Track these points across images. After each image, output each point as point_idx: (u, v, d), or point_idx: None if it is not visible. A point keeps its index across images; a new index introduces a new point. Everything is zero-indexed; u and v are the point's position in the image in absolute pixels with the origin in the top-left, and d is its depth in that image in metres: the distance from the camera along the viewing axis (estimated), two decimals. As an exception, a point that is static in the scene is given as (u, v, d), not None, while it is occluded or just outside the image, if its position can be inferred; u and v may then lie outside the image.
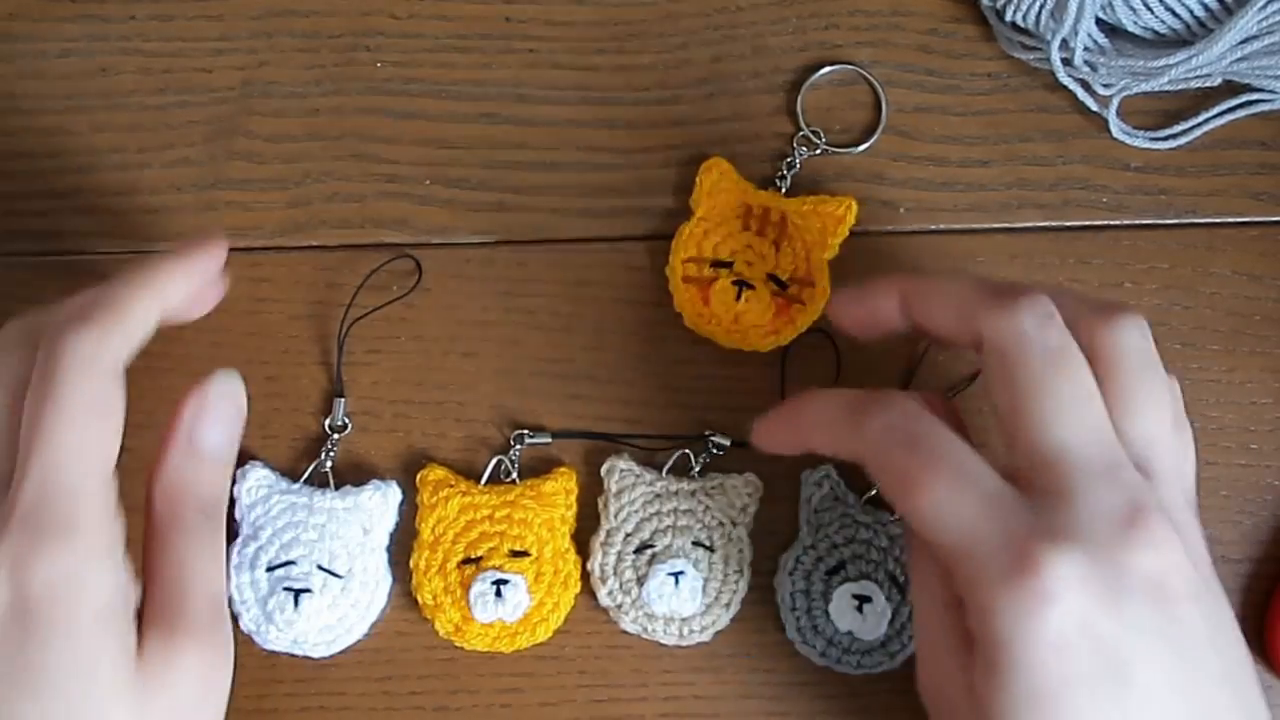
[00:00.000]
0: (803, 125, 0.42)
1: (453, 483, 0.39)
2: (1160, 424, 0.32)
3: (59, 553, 0.30)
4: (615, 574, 0.39)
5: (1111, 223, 0.42)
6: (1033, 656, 0.29)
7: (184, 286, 0.35)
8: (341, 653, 0.39)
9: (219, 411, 0.36)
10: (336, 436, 0.40)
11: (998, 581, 0.30)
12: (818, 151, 0.41)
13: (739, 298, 0.40)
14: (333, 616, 0.39)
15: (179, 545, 0.34)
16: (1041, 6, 0.39)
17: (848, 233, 0.40)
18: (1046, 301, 0.32)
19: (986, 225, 0.41)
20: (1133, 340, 0.32)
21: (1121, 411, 0.32)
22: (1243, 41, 0.39)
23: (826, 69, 0.42)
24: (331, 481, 0.40)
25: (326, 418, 0.40)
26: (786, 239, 0.40)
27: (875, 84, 0.42)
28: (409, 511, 0.40)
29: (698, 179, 0.40)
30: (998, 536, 0.30)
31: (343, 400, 0.40)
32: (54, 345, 0.32)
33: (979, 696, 0.30)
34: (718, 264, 0.40)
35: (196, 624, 0.33)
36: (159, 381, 0.41)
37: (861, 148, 0.42)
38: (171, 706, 0.32)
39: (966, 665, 0.31)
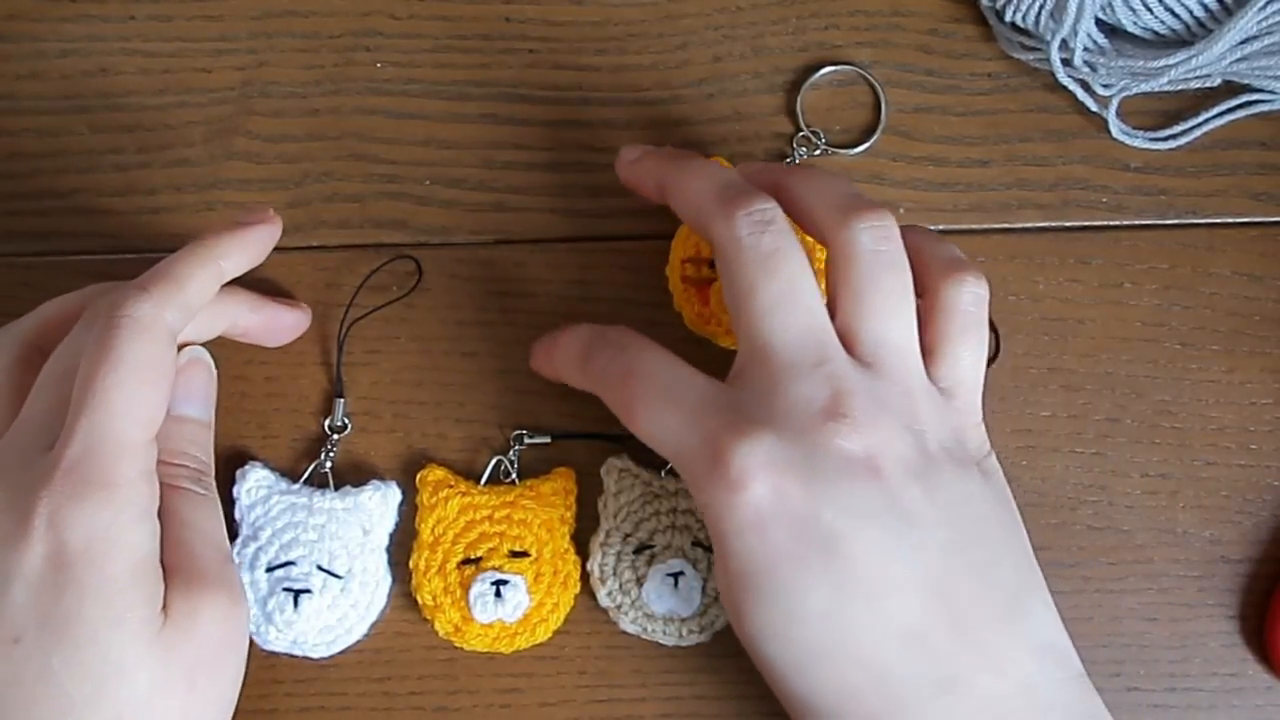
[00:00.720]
0: (803, 125, 0.42)
1: (452, 483, 0.39)
2: (889, 323, 0.33)
3: (99, 508, 0.31)
4: (615, 574, 0.39)
5: (1111, 223, 0.42)
6: (738, 541, 0.31)
7: (239, 259, 0.36)
8: (341, 653, 0.39)
9: (191, 378, 0.37)
10: (336, 437, 0.40)
11: (703, 479, 0.32)
12: (818, 152, 0.41)
13: None
14: (333, 617, 0.39)
15: (180, 505, 0.35)
16: (1041, 6, 0.39)
17: None
18: (767, 206, 0.33)
19: (986, 225, 0.41)
20: (865, 241, 0.33)
21: (851, 312, 0.33)
22: (1243, 42, 0.39)
23: (827, 69, 0.42)
24: (331, 482, 0.40)
25: (326, 418, 0.40)
26: None
27: (875, 84, 0.42)
28: (409, 512, 0.40)
29: None
30: (699, 439, 0.32)
31: (343, 401, 0.40)
32: (113, 310, 0.33)
33: (720, 589, 0.33)
34: (715, 264, 0.40)
35: (210, 575, 0.34)
36: (159, 381, 0.41)
37: (861, 148, 0.42)
38: (195, 656, 0.33)
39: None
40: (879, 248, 0.33)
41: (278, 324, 0.40)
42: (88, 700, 0.31)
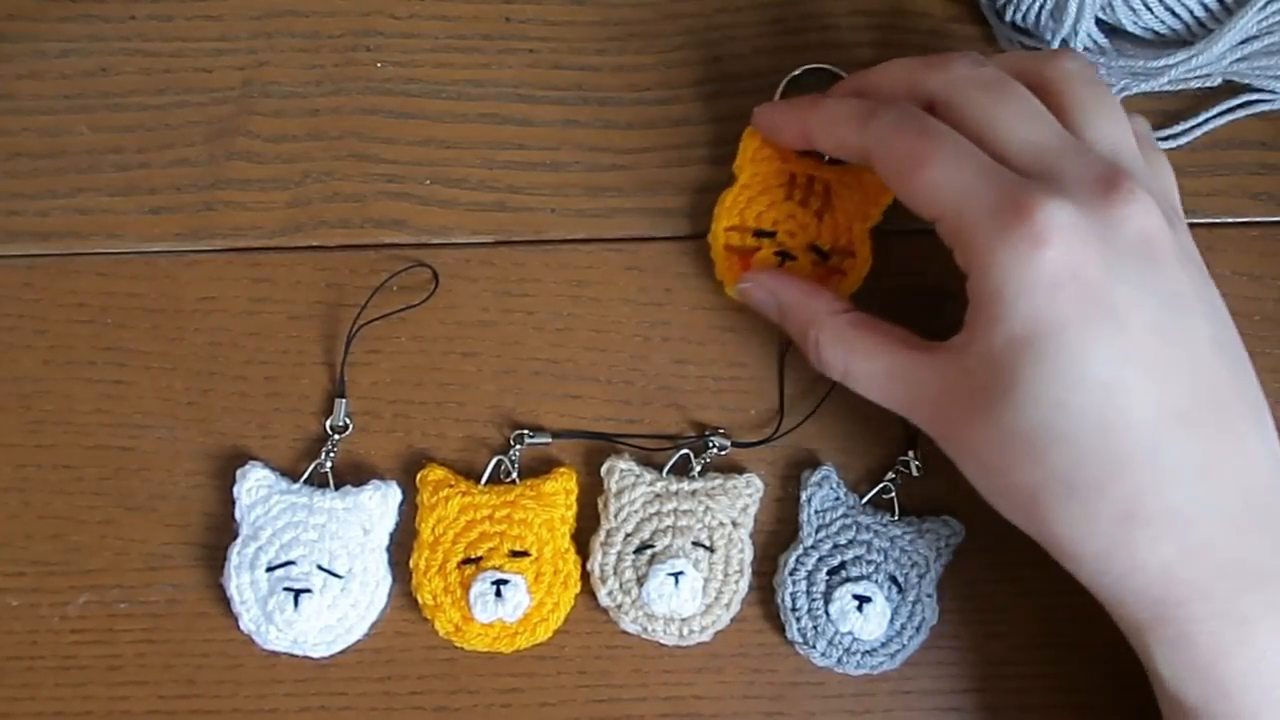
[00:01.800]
0: None
1: (453, 483, 0.39)
2: (1119, 129, 0.35)
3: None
4: (615, 574, 0.39)
5: (1111, 223, 0.42)
6: (1028, 299, 0.31)
7: None
8: (341, 653, 0.39)
9: None
10: (337, 437, 0.40)
11: (994, 233, 0.32)
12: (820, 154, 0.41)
13: (780, 268, 0.40)
14: (333, 616, 0.39)
15: None
16: (1041, 6, 0.39)
17: (891, 201, 0.40)
18: (975, 54, 0.36)
19: (986, 225, 0.41)
20: (1073, 66, 0.35)
21: (1080, 124, 0.34)
22: (1243, 41, 0.39)
23: (799, 69, 0.42)
24: (331, 482, 0.40)
25: (327, 418, 0.40)
26: (829, 209, 0.40)
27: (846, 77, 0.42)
28: (409, 511, 0.40)
29: (741, 145, 0.40)
30: (994, 193, 0.32)
31: (344, 401, 0.40)
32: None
33: (981, 358, 0.33)
34: (760, 233, 0.40)
35: None
36: (159, 382, 0.41)
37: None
38: None
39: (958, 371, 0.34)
40: (1085, 71, 0.35)
41: None
42: None
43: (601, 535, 0.39)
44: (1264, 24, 0.38)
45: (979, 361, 0.33)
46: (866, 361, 0.36)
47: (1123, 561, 0.32)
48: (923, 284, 0.41)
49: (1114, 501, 0.32)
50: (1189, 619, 0.32)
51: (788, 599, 0.39)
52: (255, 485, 0.39)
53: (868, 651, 0.39)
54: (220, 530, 0.40)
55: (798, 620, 0.39)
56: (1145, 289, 0.32)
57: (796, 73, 0.42)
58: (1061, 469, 0.32)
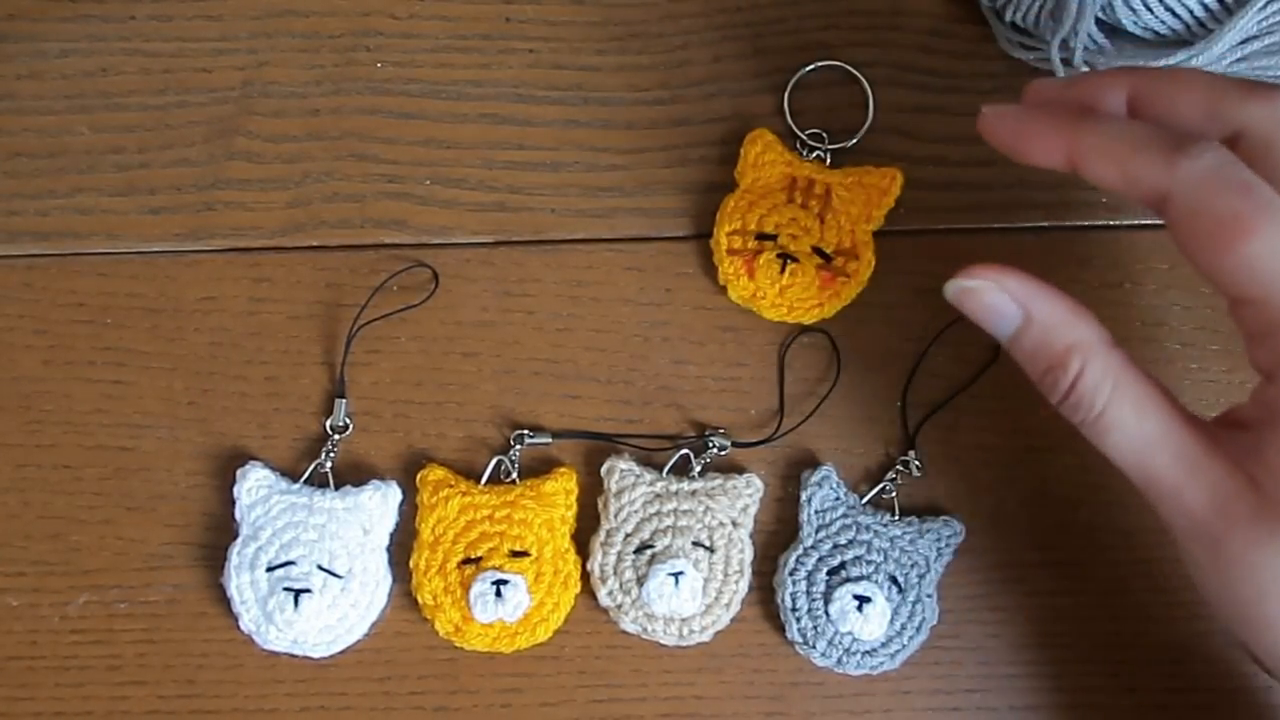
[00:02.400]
0: (791, 123, 0.42)
1: (453, 483, 0.39)
2: None
3: None
4: (615, 574, 0.39)
5: (1111, 223, 0.42)
6: None
7: None
8: (341, 653, 0.39)
9: None
10: (337, 437, 0.40)
11: None
12: (818, 154, 0.41)
13: (783, 271, 0.40)
14: (333, 616, 0.39)
15: None
16: (1041, 6, 0.39)
17: (893, 204, 0.40)
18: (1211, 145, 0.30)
19: (986, 225, 0.41)
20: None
21: None
22: (1243, 41, 0.39)
23: (812, 66, 0.42)
24: (331, 482, 0.40)
25: (327, 418, 0.40)
26: (831, 211, 0.40)
27: (863, 80, 0.42)
28: (409, 511, 0.40)
29: (742, 150, 0.40)
30: None
31: (344, 401, 0.40)
32: None
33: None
34: (762, 236, 0.40)
35: None
36: (158, 382, 0.41)
37: (851, 143, 0.41)
38: None
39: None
40: None
41: None
42: None
43: (601, 535, 0.39)
44: (1264, 24, 0.38)
45: (1277, 477, 0.29)
46: (1136, 416, 0.31)
47: None
48: (925, 285, 0.41)
49: None
50: None
51: (788, 599, 0.39)
52: (255, 485, 0.39)
53: (868, 651, 0.39)
54: (220, 530, 0.40)
55: (798, 620, 0.39)
56: None
57: (809, 69, 0.42)
58: None
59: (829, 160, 0.41)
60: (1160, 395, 0.31)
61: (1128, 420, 0.31)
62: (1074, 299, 0.32)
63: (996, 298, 0.32)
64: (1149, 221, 0.41)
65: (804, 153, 0.41)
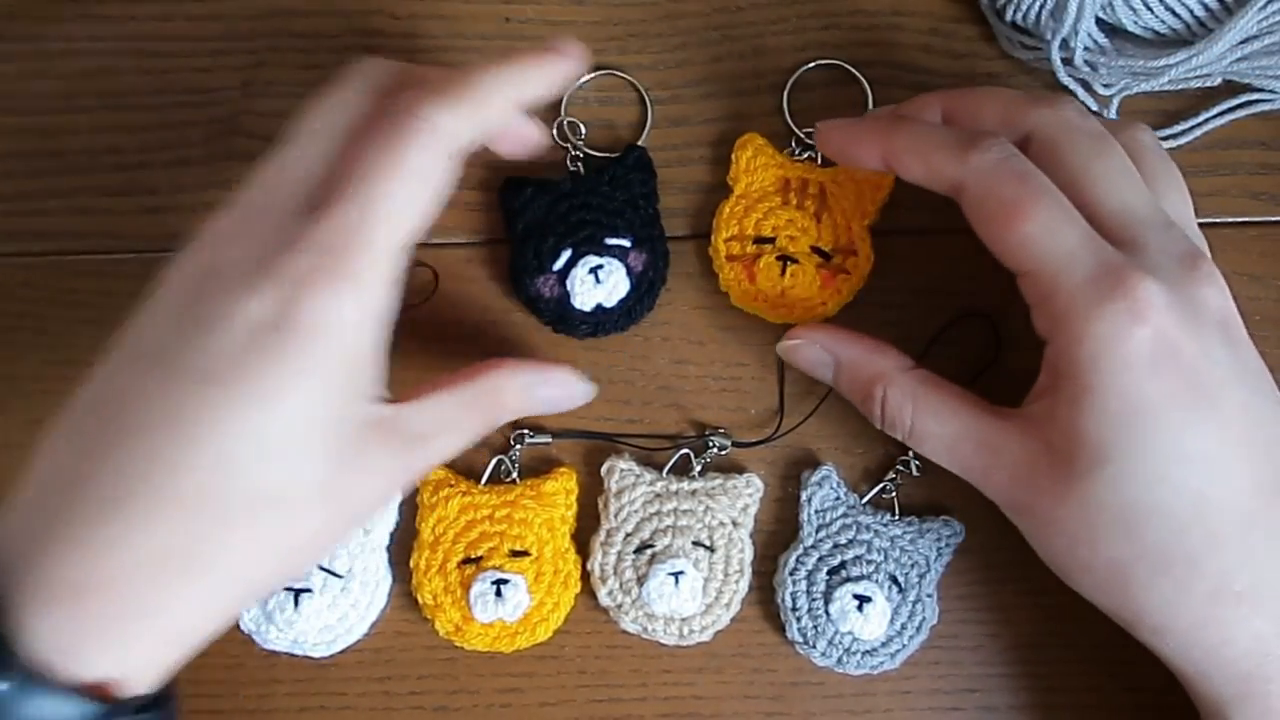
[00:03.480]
0: (790, 123, 0.42)
1: (453, 482, 0.39)
2: (1187, 205, 0.36)
3: (336, 298, 0.30)
4: (615, 574, 0.39)
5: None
6: (1125, 375, 0.32)
7: (540, 83, 0.34)
8: (341, 653, 0.39)
9: (564, 392, 0.38)
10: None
11: (1093, 304, 0.32)
12: (811, 154, 0.41)
13: (784, 273, 0.40)
14: (333, 616, 0.39)
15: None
16: (1041, 6, 0.39)
17: (886, 198, 0.40)
18: (1077, 101, 0.35)
19: (986, 225, 0.41)
20: (1148, 138, 0.36)
21: (1156, 195, 0.35)
22: (1243, 41, 0.39)
23: (809, 65, 0.42)
24: (331, 481, 0.40)
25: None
26: (826, 210, 0.40)
27: (862, 79, 0.42)
28: (409, 511, 0.40)
29: (734, 155, 0.41)
30: (1093, 262, 0.32)
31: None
32: (408, 108, 0.32)
33: (1068, 431, 0.32)
34: (760, 240, 0.40)
35: (424, 440, 0.33)
36: (159, 381, 0.41)
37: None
38: (362, 496, 0.32)
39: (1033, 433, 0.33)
40: (1157, 143, 0.36)
41: (523, 135, 0.37)
42: (251, 462, 0.30)
43: (601, 535, 0.39)
44: (1264, 24, 0.38)
45: (1065, 433, 0.32)
46: (936, 422, 0.35)
47: (1213, 636, 0.32)
48: (924, 284, 0.41)
49: (1208, 577, 0.32)
50: (1278, 694, 0.32)
51: (788, 599, 0.39)
52: (255, 485, 0.39)
53: (868, 651, 0.39)
54: (220, 530, 0.40)
55: (798, 620, 0.39)
56: (1232, 370, 0.32)
57: (809, 67, 0.42)
58: (1155, 544, 0.32)
59: (820, 160, 0.41)
60: (957, 399, 0.36)
61: (931, 428, 0.35)
62: (874, 339, 0.38)
63: (811, 351, 0.38)
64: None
65: (797, 151, 0.41)
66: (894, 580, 0.39)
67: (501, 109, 0.33)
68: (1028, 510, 0.34)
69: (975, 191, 0.33)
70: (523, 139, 0.37)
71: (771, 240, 0.40)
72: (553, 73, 0.34)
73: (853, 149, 0.37)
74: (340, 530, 0.33)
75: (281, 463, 0.30)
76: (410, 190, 0.31)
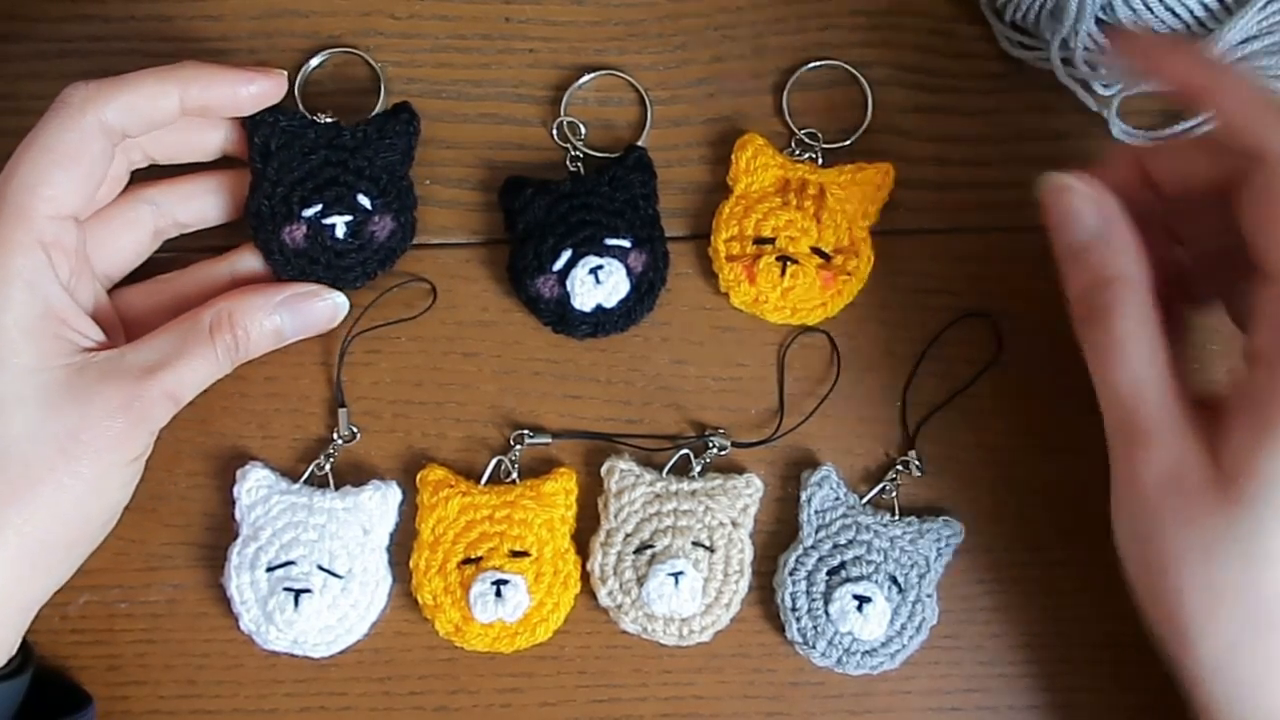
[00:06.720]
0: (790, 123, 0.42)
1: (453, 483, 0.39)
2: None
3: None
4: (615, 574, 0.39)
5: (1111, 223, 0.41)
6: None
7: (204, 91, 0.37)
8: (341, 653, 0.39)
9: (310, 308, 0.39)
10: (341, 442, 0.40)
11: None
12: (812, 154, 0.41)
13: (784, 273, 0.40)
14: (333, 616, 0.39)
15: (195, 349, 0.37)
16: (1042, 6, 0.39)
17: (886, 198, 0.40)
18: None
19: (986, 225, 0.41)
20: None
21: None
22: (1243, 41, 0.39)
23: (810, 65, 0.42)
24: (331, 482, 0.40)
25: (327, 419, 0.40)
26: (827, 211, 0.40)
27: (861, 79, 0.42)
28: (409, 511, 0.40)
29: (733, 156, 0.41)
30: None
31: (346, 410, 0.40)
32: (60, 94, 0.35)
33: (1239, 453, 0.30)
34: (760, 240, 0.40)
35: (142, 387, 0.36)
36: (159, 382, 0.41)
37: (848, 142, 0.41)
38: (82, 423, 0.35)
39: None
40: None
41: (243, 92, 0.38)
42: None
43: (601, 535, 0.39)
44: (1264, 24, 0.38)
45: (1236, 454, 0.31)
46: (1149, 355, 0.32)
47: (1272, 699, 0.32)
48: (925, 285, 0.41)
49: None
50: None
51: (788, 599, 0.39)
52: (255, 485, 0.39)
53: (868, 651, 0.39)
54: (220, 530, 0.40)
55: (798, 620, 0.39)
56: None
57: (809, 67, 0.42)
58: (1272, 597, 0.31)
59: (821, 160, 0.41)
60: (1167, 351, 0.33)
61: (1140, 357, 0.32)
62: (1137, 231, 0.34)
63: (1082, 202, 0.34)
64: (1149, 221, 0.41)
65: (797, 152, 0.41)
66: (894, 580, 0.39)
67: (154, 93, 0.36)
68: (1158, 501, 0.32)
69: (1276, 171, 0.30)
70: (252, 96, 0.38)
71: (771, 241, 0.40)
72: (225, 82, 0.37)
73: (1169, 64, 0.34)
74: (106, 469, 0.35)
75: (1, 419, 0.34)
76: (46, 163, 0.34)
